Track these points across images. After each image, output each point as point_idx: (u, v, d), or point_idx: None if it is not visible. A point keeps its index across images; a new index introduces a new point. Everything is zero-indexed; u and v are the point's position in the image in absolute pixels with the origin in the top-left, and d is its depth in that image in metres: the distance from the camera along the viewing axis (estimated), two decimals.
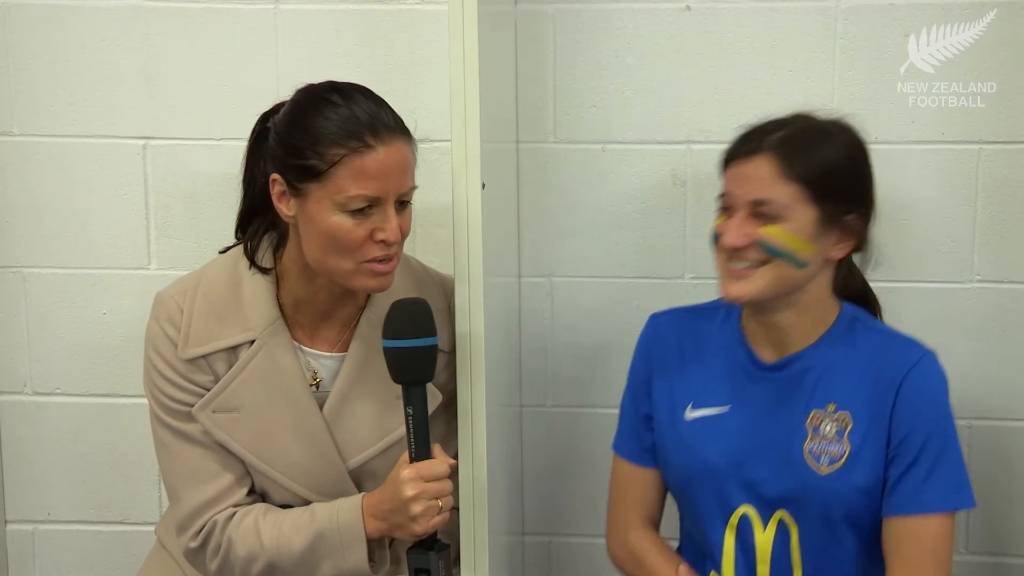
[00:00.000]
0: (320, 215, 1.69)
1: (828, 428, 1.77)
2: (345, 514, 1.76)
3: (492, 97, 1.86)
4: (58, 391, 2.41)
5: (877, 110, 2.19)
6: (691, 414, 1.87)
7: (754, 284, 1.73)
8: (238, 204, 1.86)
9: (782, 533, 1.80)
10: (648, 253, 2.28)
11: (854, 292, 1.90)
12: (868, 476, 1.76)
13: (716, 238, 1.77)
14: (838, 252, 1.78)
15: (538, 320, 2.34)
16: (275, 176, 1.72)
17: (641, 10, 2.21)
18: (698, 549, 1.91)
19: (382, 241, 1.70)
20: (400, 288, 1.81)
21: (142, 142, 2.30)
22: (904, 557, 1.73)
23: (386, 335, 1.70)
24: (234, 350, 1.79)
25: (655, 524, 1.97)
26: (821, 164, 1.72)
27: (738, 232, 1.72)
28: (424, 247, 2.19)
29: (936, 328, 2.22)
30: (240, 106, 2.24)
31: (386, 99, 2.05)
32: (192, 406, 1.78)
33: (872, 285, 2.16)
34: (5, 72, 2.31)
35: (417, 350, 1.70)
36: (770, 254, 1.71)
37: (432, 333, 1.71)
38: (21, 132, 2.32)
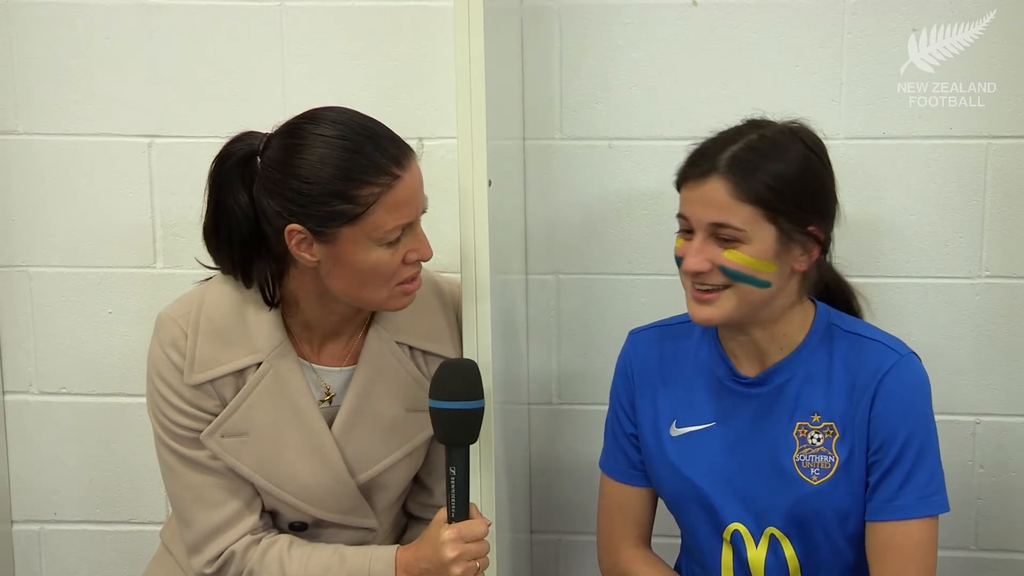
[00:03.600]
0: (357, 254, 1.66)
1: (815, 439, 1.75)
2: (378, 566, 1.74)
3: (498, 94, 1.85)
4: (64, 391, 2.41)
5: (885, 105, 2.18)
6: (676, 431, 1.84)
7: (720, 308, 1.70)
8: (210, 245, 1.79)
9: (775, 549, 1.79)
10: (656, 250, 2.27)
11: (831, 291, 1.87)
12: (858, 485, 1.75)
13: (679, 260, 1.73)
14: (802, 264, 1.73)
15: (545, 317, 2.34)
16: (294, 227, 1.66)
17: (648, 5, 2.21)
18: (698, 562, 1.90)
19: (416, 261, 1.71)
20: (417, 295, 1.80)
21: (147, 140, 2.30)
22: (886, 563, 1.72)
23: (433, 395, 1.69)
24: (241, 373, 1.76)
25: (646, 541, 1.96)
26: (774, 181, 1.67)
27: (699, 257, 1.68)
28: (431, 245, 2.17)
29: (945, 324, 2.23)
30: (245, 104, 2.25)
31: (392, 97, 2.05)
32: (199, 432, 1.76)
33: (879, 281, 2.20)
34: (10, 71, 2.30)
35: (464, 413, 1.69)
36: (732, 279, 1.69)
37: (479, 396, 1.70)
38: (26, 131, 2.32)
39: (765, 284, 1.70)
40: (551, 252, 2.31)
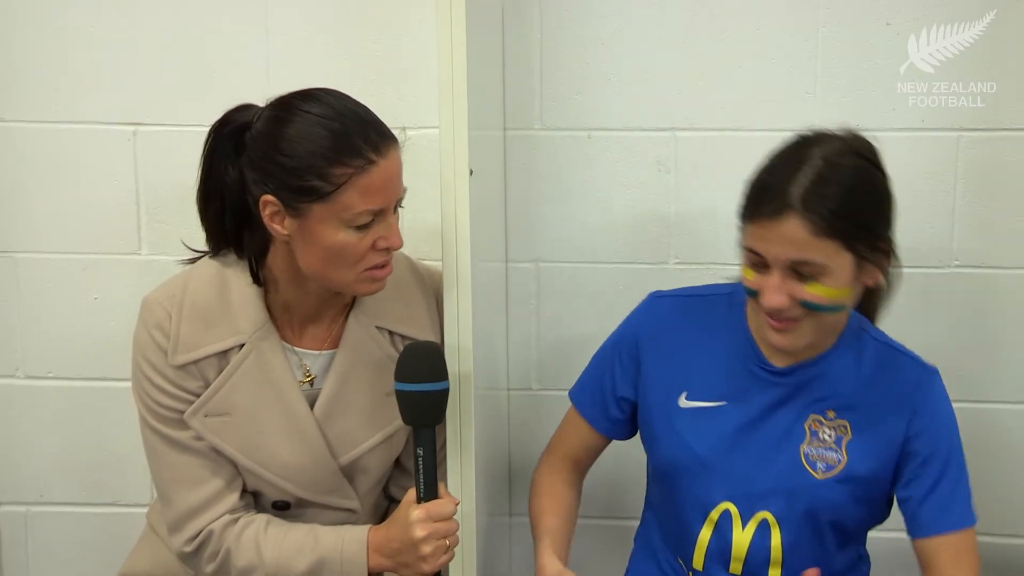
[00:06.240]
0: (325, 233, 1.67)
1: (827, 434, 1.76)
2: (350, 546, 1.76)
3: (479, 84, 1.85)
4: (50, 375, 2.41)
5: (860, 96, 2.19)
6: (685, 403, 1.82)
7: (801, 336, 1.69)
8: (201, 213, 1.80)
9: (762, 533, 1.78)
10: (633, 239, 2.29)
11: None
12: (862, 489, 1.75)
13: (752, 292, 1.69)
14: (873, 278, 1.70)
15: (525, 304, 2.35)
16: (268, 198, 1.67)
17: None
18: (659, 536, 1.90)
19: (385, 249, 1.71)
20: (393, 281, 1.81)
21: (132, 128, 2.31)
22: (960, 570, 1.73)
23: (398, 378, 1.70)
24: (224, 354, 1.78)
25: (579, 467, 1.98)
26: (848, 210, 1.61)
27: (778, 294, 1.63)
28: (411, 234, 2.10)
29: (916, 313, 2.22)
30: (229, 91, 2.20)
31: (376, 87, 2.01)
32: (182, 412, 1.77)
33: None
34: None
35: (429, 394, 1.70)
36: (813, 310, 1.65)
37: (443, 377, 1.71)
38: (12, 118, 2.32)
39: (842, 308, 1.70)
40: (531, 240, 2.32)
